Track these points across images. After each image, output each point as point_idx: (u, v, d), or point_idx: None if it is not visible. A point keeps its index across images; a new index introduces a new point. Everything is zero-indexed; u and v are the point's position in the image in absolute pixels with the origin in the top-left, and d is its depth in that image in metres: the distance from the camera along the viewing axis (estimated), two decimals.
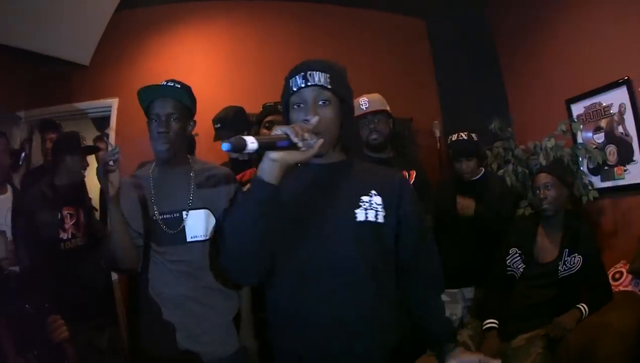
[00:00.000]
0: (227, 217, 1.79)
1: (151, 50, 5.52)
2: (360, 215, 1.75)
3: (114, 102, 5.34)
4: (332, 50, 5.49)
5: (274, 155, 1.53)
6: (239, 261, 1.69)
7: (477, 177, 4.05)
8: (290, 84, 1.79)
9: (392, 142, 3.72)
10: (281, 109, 1.91)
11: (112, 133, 5.32)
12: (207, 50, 5.66)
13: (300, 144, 1.53)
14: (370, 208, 1.77)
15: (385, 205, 1.79)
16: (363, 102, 3.57)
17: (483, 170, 4.12)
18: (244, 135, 1.41)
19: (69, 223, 3.65)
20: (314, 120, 1.66)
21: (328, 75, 1.77)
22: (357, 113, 3.54)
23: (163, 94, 2.46)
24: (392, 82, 5.64)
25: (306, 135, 1.55)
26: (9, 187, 3.66)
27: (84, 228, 3.75)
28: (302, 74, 1.77)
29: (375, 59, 5.96)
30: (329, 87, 1.77)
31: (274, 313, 1.84)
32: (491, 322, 3.36)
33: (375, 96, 3.65)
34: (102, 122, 5.83)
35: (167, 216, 2.42)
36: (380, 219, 1.77)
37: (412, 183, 3.60)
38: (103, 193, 2.90)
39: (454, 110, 5.69)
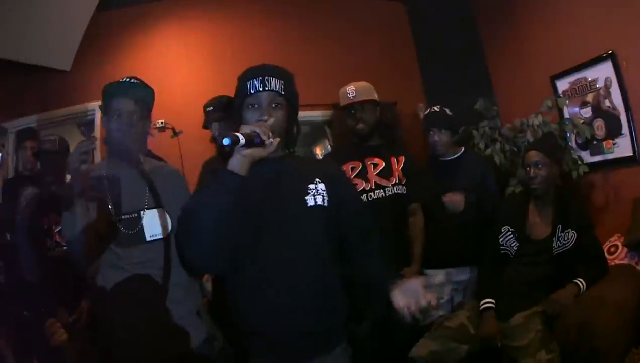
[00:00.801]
0: (196, 209, 1.81)
1: (132, 50, 5.48)
2: (310, 200, 2.02)
3: (97, 106, 5.30)
4: (313, 37, 5.52)
5: (245, 151, 1.75)
6: (209, 250, 1.81)
7: (454, 156, 3.98)
8: (248, 86, 1.99)
9: (379, 129, 3.76)
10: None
11: (97, 137, 5.28)
12: (187, 48, 5.62)
13: (267, 142, 1.78)
14: (318, 193, 2.04)
15: (328, 191, 2.06)
16: (350, 91, 3.60)
17: (463, 149, 4.06)
18: (235, 131, 1.71)
19: (54, 230, 3.57)
20: (270, 121, 1.91)
21: (283, 82, 2.02)
22: (344, 102, 3.60)
23: (125, 91, 2.50)
24: (375, 66, 5.64)
25: (270, 135, 1.81)
26: None
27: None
28: (260, 78, 1.98)
29: (357, 44, 5.95)
30: (283, 93, 2.01)
31: (238, 298, 2.00)
32: (488, 302, 3.34)
33: (363, 85, 3.67)
34: (87, 127, 5.79)
35: (126, 216, 2.41)
36: (326, 203, 2.04)
37: (401, 168, 3.71)
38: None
39: (438, 92, 5.65)
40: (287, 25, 5.74)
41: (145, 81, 2.68)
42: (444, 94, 5.26)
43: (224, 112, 3.74)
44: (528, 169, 3.46)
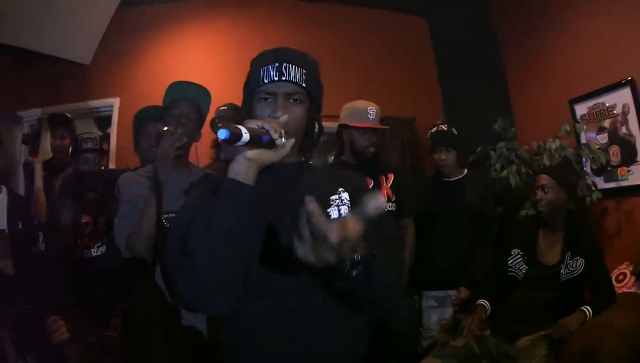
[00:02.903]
0: (193, 232, 1.43)
1: (152, 49, 5.51)
2: (333, 212, 1.65)
3: (115, 102, 5.33)
4: (333, 50, 5.50)
5: (250, 153, 1.41)
6: (212, 286, 1.42)
7: (458, 177, 4.03)
8: (261, 74, 1.61)
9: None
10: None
11: (113, 133, 5.31)
12: (208, 50, 5.65)
13: (278, 142, 1.44)
14: (342, 203, 1.68)
15: (352, 201, 1.69)
16: (371, 112, 3.51)
17: (466, 171, 4.09)
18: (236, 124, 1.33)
19: (84, 232, 3.57)
20: (284, 118, 1.53)
21: (304, 71, 1.64)
22: (361, 121, 3.50)
23: (188, 95, 2.59)
24: (394, 81, 5.64)
25: (283, 134, 1.46)
26: (3, 188, 3.63)
27: (102, 239, 3.63)
28: (277, 65, 1.60)
29: (377, 59, 5.94)
30: (304, 85, 1.63)
31: (237, 342, 1.62)
32: (482, 301, 3.45)
33: (378, 110, 3.59)
34: (103, 122, 5.82)
35: (173, 215, 2.44)
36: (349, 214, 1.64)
37: (390, 186, 3.64)
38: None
39: (456, 110, 5.65)
40: (307, 34, 5.71)
41: (164, 81, 2.71)
42: (462, 111, 5.27)
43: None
44: (536, 191, 3.48)
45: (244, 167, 1.41)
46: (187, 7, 5.64)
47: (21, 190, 4.67)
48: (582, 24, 4.85)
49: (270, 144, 1.42)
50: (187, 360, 2.46)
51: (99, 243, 3.60)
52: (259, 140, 1.38)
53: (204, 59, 5.58)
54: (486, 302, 3.44)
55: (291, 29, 5.78)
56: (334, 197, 1.68)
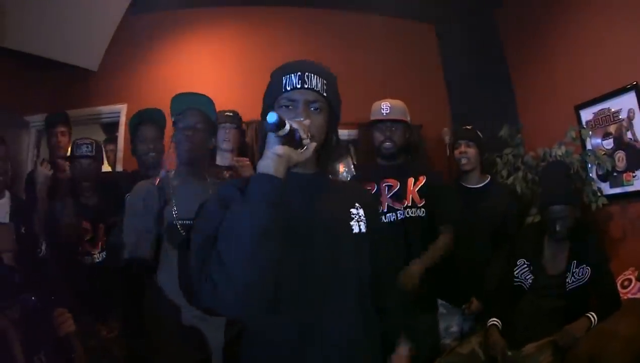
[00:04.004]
0: (224, 235, 1.41)
1: (159, 56, 5.54)
2: (355, 227, 1.75)
3: (122, 108, 5.35)
4: (340, 56, 5.49)
5: (281, 150, 1.44)
6: (244, 285, 1.38)
7: (481, 184, 3.99)
8: (283, 82, 1.67)
9: (405, 150, 3.58)
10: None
11: (120, 139, 5.33)
12: (215, 56, 5.68)
13: (305, 142, 1.50)
14: (360, 220, 1.78)
15: (366, 217, 1.81)
16: (385, 107, 3.45)
17: (489, 178, 4.06)
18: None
19: (84, 239, 3.58)
20: (306, 122, 1.57)
21: (325, 82, 1.71)
22: (375, 116, 3.47)
23: (195, 105, 2.65)
24: (401, 88, 5.61)
25: (309, 135, 1.53)
26: (7, 193, 3.64)
27: (102, 245, 3.63)
28: (299, 74, 1.67)
29: (384, 65, 5.95)
30: (325, 94, 1.70)
31: (261, 348, 1.66)
32: (493, 320, 3.38)
33: (398, 103, 3.51)
34: (110, 128, 5.84)
35: (186, 221, 2.53)
36: (365, 230, 1.78)
37: (419, 189, 3.44)
38: None
39: (463, 117, 5.65)
40: (315, 41, 5.75)
41: (171, 87, 2.75)
42: (469, 118, 5.26)
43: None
44: (553, 222, 3.41)
45: (274, 163, 1.43)
46: (194, 13, 5.66)
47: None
48: (587, 29, 4.85)
49: (299, 143, 1.48)
50: None
51: (99, 249, 3.62)
52: (293, 135, 1.45)
53: (210, 66, 5.60)
54: (498, 321, 3.38)
55: (297, 36, 5.81)
56: (353, 211, 1.79)
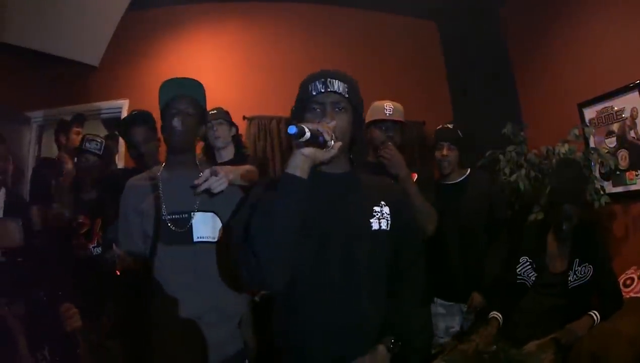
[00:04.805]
0: (257, 218, 1.70)
1: (161, 51, 5.54)
2: (375, 224, 1.90)
3: (124, 103, 5.35)
4: (343, 53, 5.49)
5: (307, 151, 1.67)
6: (272, 263, 1.66)
7: (459, 179, 3.92)
8: (310, 88, 1.90)
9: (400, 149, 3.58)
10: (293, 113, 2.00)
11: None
12: (217, 52, 5.68)
13: (330, 143, 1.69)
14: (383, 217, 1.93)
15: (392, 216, 1.95)
16: (388, 108, 3.44)
17: (469, 171, 3.97)
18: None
19: (80, 232, 3.56)
20: (333, 123, 1.78)
21: (346, 85, 1.91)
22: (377, 116, 3.45)
23: (184, 92, 2.57)
24: (404, 85, 5.62)
25: (333, 136, 1.71)
26: (2, 189, 3.63)
27: (98, 240, 3.60)
28: (323, 80, 1.89)
29: (387, 62, 5.95)
30: (347, 95, 1.90)
31: (284, 315, 1.91)
32: (494, 313, 3.41)
33: (398, 106, 3.51)
34: (112, 123, 5.84)
35: (176, 216, 2.49)
36: (389, 228, 1.93)
37: None
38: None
39: (466, 114, 5.64)
40: (320, 36, 5.76)
41: None
42: (472, 115, 5.25)
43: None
44: (562, 221, 3.42)
45: (300, 162, 1.68)
46: (196, 9, 5.66)
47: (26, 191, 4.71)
48: (590, 27, 4.84)
49: (323, 145, 1.69)
50: None
51: (95, 244, 3.59)
52: (316, 139, 1.65)
53: (212, 61, 5.61)
54: (499, 314, 3.40)
55: (301, 33, 5.81)
56: (376, 209, 1.94)
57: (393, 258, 1.99)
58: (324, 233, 1.85)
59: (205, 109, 2.71)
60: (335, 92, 1.88)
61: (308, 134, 1.59)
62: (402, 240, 2.00)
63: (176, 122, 2.50)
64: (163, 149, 2.88)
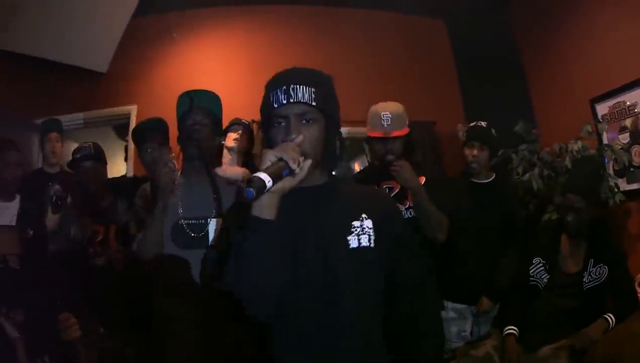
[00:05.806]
0: (231, 258, 1.54)
1: (168, 57, 5.55)
2: (353, 241, 1.65)
3: (133, 109, 5.36)
4: (351, 53, 5.47)
5: (273, 188, 1.42)
6: (249, 297, 1.55)
7: (488, 180, 3.87)
8: (271, 99, 1.63)
9: (403, 153, 3.33)
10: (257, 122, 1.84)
11: (131, 141, 5.33)
12: (224, 57, 5.69)
13: (297, 171, 1.47)
14: (363, 232, 1.67)
15: (376, 229, 1.69)
16: (385, 118, 3.20)
17: (495, 175, 3.92)
18: (256, 173, 1.38)
19: (95, 240, 3.59)
20: (298, 139, 1.56)
21: (313, 90, 1.62)
22: (376, 129, 3.26)
23: (201, 103, 2.68)
24: (414, 85, 5.59)
25: (300, 159, 1.49)
26: (17, 197, 3.65)
27: (110, 249, 3.63)
28: (284, 88, 1.61)
29: (396, 62, 5.92)
30: (314, 103, 1.62)
31: (275, 346, 1.69)
32: (510, 329, 3.31)
33: (397, 110, 3.27)
34: (122, 129, 5.85)
35: (192, 221, 2.57)
36: (372, 243, 1.67)
37: None
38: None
39: (477, 113, 5.57)
40: (324, 39, 5.74)
41: (180, 88, 2.78)
42: (483, 114, 5.19)
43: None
44: (567, 213, 3.38)
45: (267, 201, 1.46)
46: (202, 13, 5.66)
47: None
48: (600, 21, 4.79)
49: (291, 174, 1.46)
50: None
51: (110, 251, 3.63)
52: (280, 178, 1.43)
53: (219, 66, 5.61)
54: (515, 329, 3.30)
55: (308, 35, 5.80)
56: (355, 224, 1.68)
57: (391, 279, 1.75)
58: (300, 256, 1.62)
59: (221, 119, 2.82)
60: (299, 102, 1.60)
61: (270, 184, 1.38)
62: (397, 258, 1.76)
63: (192, 133, 2.61)
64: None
